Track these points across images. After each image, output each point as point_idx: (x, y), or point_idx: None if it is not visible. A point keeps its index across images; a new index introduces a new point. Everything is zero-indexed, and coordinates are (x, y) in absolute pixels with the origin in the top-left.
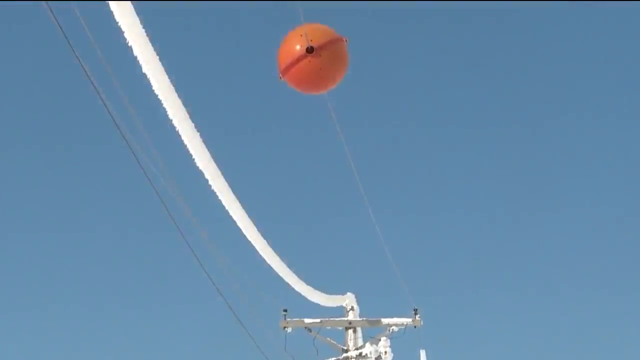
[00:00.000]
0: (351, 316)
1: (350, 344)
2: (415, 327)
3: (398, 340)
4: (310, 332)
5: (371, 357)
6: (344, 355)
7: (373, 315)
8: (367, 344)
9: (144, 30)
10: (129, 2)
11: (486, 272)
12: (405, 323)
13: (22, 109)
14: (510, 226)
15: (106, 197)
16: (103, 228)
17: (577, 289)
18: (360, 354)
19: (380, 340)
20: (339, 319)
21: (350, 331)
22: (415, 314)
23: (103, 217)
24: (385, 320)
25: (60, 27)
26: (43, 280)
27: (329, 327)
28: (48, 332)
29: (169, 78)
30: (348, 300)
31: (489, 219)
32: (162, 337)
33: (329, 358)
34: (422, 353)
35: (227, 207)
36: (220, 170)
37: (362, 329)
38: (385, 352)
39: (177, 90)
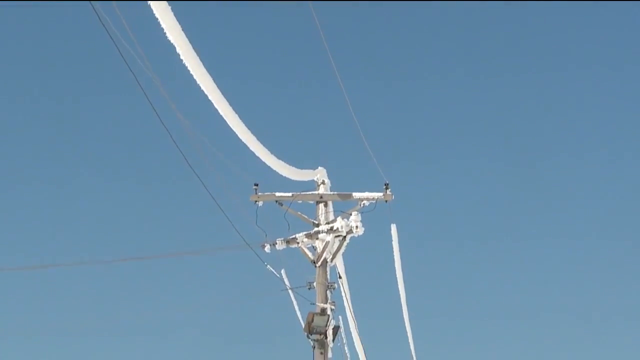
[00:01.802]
0: (322, 190)
1: (322, 218)
2: (386, 201)
3: (369, 214)
4: (282, 206)
5: (342, 231)
6: (315, 229)
7: (344, 190)
8: (338, 219)
9: None
10: None
11: (456, 144)
12: (376, 197)
13: None
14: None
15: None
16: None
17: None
18: (332, 228)
19: (351, 214)
20: (310, 192)
21: (322, 205)
22: (386, 188)
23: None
24: (356, 195)
25: None
26: None
27: (300, 202)
28: None
29: None
30: (319, 174)
31: (459, 85)
32: (133, 210)
33: (300, 232)
34: (393, 227)
35: (198, 81)
36: (190, 41)
37: (333, 203)
38: (357, 227)
39: None
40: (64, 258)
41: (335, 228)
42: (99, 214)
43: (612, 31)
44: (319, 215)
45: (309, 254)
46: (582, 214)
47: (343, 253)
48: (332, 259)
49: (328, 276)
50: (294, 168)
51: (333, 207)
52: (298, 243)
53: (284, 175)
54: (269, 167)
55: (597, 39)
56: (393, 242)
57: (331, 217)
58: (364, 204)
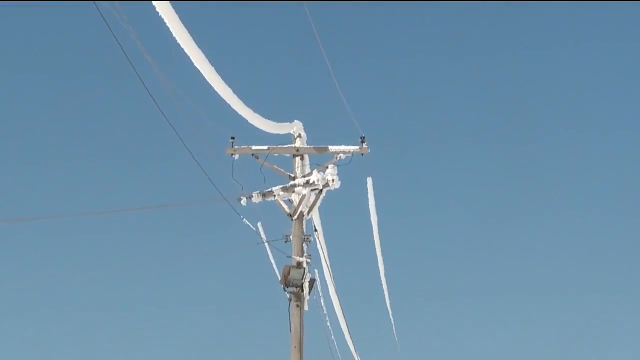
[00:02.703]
0: (298, 143)
1: (298, 171)
2: (362, 154)
3: (345, 168)
4: (258, 159)
5: (318, 185)
6: (291, 182)
7: (320, 143)
8: (315, 172)
9: None
10: None
11: (434, 97)
12: (352, 151)
13: None
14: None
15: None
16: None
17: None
18: (308, 181)
19: (327, 167)
20: (287, 146)
21: (298, 158)
22: (362, 141)
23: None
24: (332, 148)
25: None
26: None
27: (276, 155)
28: None
29: None
30: (295, 127)
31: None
32: (108, 162)
33: (276, 185)
34: (369, 180)
35: (174, 34)
36: None
37: (309, 156)
38: (333, 180)
39: None
40: (34, 212)
41: (311, 181)
42: (74, 167)
43: (612, 31)
44: (295, 169)
45: (285, 207)
46: (565, 189)
47: (319, 206)
48: (308, 212)
49: (304, 229)
50: (270, 121)
51: (309, 161)
52: (274, 196)
53: (260, 128)
54: (245, 120)
55: (598, 38)
56: (369, 195)
57: (307, 171)
58: (340, 157)
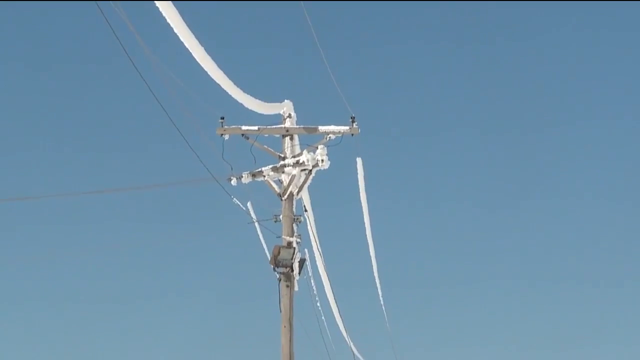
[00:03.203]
0: (288, 124)
1: (288, 151)
2: (352, 135)
3: (335, 148)
4: (248, 139)
5: (308, 165)
6: (281, 162)
7: (310, 124)
8: (305, 152)
9: None
10: None
11: (424, 78)
12: (342, 131)
13: None
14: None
15: None
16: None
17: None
18: (298, 161)
19: (317, 148)
20: (277, 126)
21: (288, 139)
22: (353, 122)
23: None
24: (322, 128)
25: None
26: None
27: (266, 135)
28: None
29: None
30: (285, 107)
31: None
32: (98, 143)
33: (266, 165)
34: (359, 161)
35: (164, 14)
36: None
37: (299, 136)
38: (323, 160)
39: None
40: (19, 192)
41: (301, 161)
42: (61, 148)
43: (610, 31)
44: (285, 149)
45: (275, 187)
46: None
47: (309, 186)
48: (298, 193)
49: (294, 209)
50: (260, 101)
51: (299, 141)
52: (264, 176)
53: (250, 108)
54: (235, 100)
55: (596, 37)
56: (359, 176)
57: (297, 151)
58: (330, 137)
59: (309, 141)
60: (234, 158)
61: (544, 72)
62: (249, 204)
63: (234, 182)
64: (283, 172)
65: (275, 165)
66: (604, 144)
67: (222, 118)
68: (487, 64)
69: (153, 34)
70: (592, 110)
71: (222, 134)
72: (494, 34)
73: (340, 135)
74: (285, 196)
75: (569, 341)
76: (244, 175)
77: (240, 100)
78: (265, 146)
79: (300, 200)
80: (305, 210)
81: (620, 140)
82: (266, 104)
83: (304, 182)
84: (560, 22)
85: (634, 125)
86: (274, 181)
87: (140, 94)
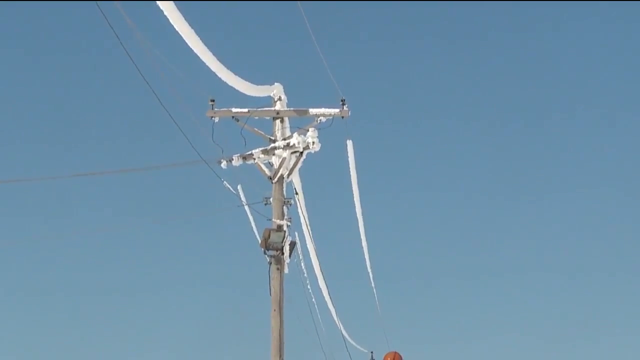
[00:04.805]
0: (279, 106)
1: (278, 134)
2: (342, 117)
3: (326, 131)
4: (238, 122)
5: (299, 147)
6: (272, 145)
7: (301, 106)
8: (295, 134)
9: None
10: None
11: (414, 58)
12: (332, 114)
13: None
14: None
15: None
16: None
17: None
18: (288, 144)
19: (308, 130)
20: (267, 109)
21: (278, 121)
22: (343, 104)
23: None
24: (312, 111)
25: None
26: None
27: (256, 118)
28: None
29: None
30: (276, 90)
31: None
32: (88, 125)
33: (256, 148)
34: (349, 144)
35: None
36: None
37: (289, 119)
38: (313, 143)
39: None
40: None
41: (291, 144)
42: (52, 130)
43: (610, 31)
44: (275, 132)
45: (266, 170)
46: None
47: (300, 169)
48: (288, 175)
49: (284, 192)
50: (250, 84)
51: (289, 123)
52: (254, 159)
53: (240, 91)
54: (225, 82)
55: (597, 37)
56: (349, 159)
57: (288, 133)
58: (320, 120)
59: (300, 124)
60: (224, 141)
61: (543, 55)
62: (239, 187)
63: (224, 164)
64: (273, 155)
65: (265, 147)
66: (601, 136)
67: (212, 100)
68: (479, 50)
69: (142, 16)
70: (590, 103)
71: (212, 117)
72: (490, 21)
73: (330, 117)
74: (276, 179)
75: (565, 334)
76: (234, 158)
77: (230, 83)
78: (256, 129)
79: (290, 183)
80: (296, 193)
81: (618, 132)
82: (256, 86)
83: (295, 164)
84: (557, 16)
85: (632, 119)
86: (265, 164)
87: (130, 77)
